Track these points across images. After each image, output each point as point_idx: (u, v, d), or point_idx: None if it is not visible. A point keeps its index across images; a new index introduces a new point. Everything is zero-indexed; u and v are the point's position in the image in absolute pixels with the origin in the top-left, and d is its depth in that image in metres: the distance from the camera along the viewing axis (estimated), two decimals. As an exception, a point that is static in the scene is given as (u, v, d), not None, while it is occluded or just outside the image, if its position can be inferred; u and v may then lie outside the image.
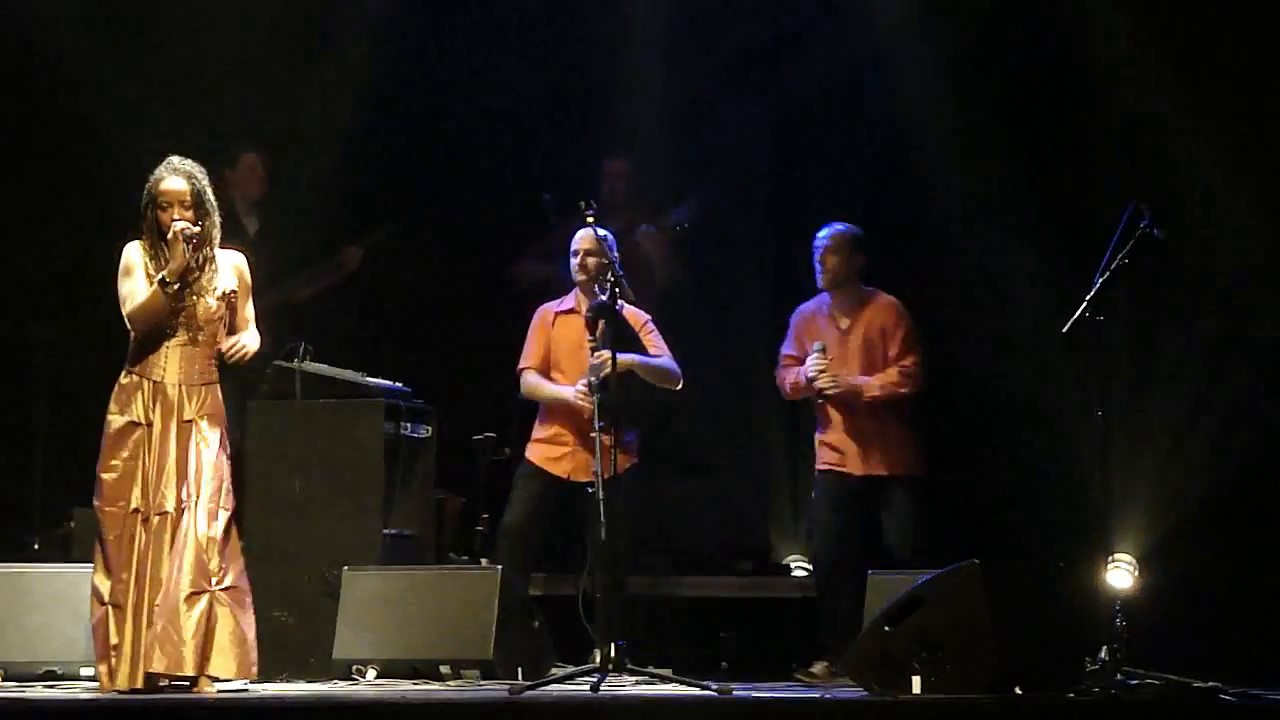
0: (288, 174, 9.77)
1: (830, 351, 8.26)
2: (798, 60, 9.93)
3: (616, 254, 8.01)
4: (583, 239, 8.16)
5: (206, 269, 7.00)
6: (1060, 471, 8.77)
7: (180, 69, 9.81)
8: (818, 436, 8.37)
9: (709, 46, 10.07)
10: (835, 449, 8.29)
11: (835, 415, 8.30)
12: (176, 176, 6.97)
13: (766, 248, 9.56)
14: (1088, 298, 7.40)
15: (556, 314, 8.36)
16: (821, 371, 8.20)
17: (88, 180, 9.82)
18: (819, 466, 8.35)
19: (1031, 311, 9.04)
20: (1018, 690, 6.46)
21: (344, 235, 9.83)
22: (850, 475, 8.26)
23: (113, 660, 6.79)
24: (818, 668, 8.08)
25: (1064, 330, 7.50)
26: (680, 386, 8.26)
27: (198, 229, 6.91)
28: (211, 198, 7.03)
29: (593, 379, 7.53)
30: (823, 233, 8.38)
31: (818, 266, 8.37)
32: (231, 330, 7.07)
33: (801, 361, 8.34)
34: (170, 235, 6.89)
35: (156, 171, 7.00)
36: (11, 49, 9.91)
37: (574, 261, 8.23)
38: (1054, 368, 8.82)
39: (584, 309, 8.16)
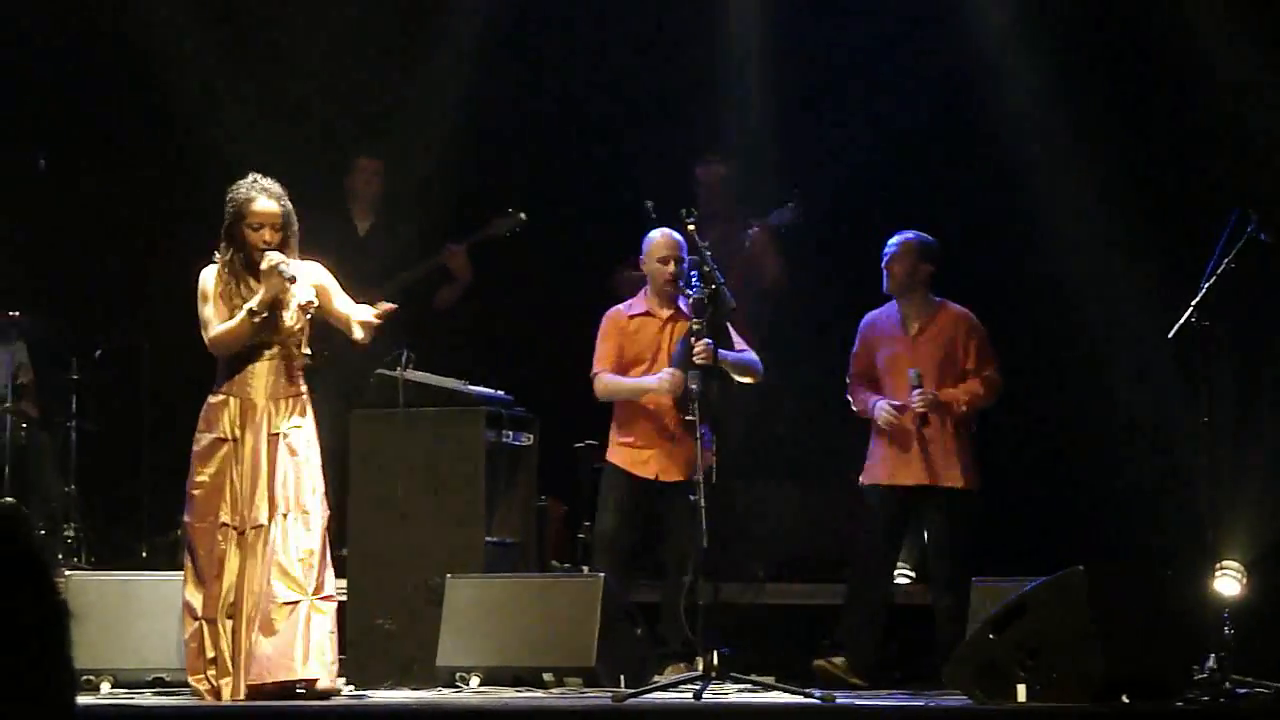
0: (399, 175, 9.83)
1: (899, 358, 8.19)
2: (901, 63, 9.88)
3: (688, 261, 8.00)
4: (670, 244, 8.14)
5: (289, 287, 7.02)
6: (1167, 478, 8.69)
7: (292, 77, 9.91)
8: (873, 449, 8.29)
9: (813, 48, 10.04)
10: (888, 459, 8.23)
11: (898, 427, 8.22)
12: (268, 198, 7.00)
13: (870, 251, 9.52)
14: (1194, 303, 7.33)
15: (630, 317, 8.32)
16: (926, 402, 8.08)
17: (197, 192, 9.92)
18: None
19: (1138, 317, 8.96)
20: (1125, 698, 6.40)
21: (451, 234, 9.86)
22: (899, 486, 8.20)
23: (210, 674, 6.84)
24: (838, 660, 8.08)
25: (1170, 335, 7.44)
26: (759, 381, 8.21)
27: (292, 272, 6.93)
28: (294, 215, 7.07)
29: (690, 371, 7.51)
30: (892, 240, 8.30)
31: (885, 273, 8.31)
32: (310, 340, 7.10)
33: (869, 373, 8.27)
34: (266, 266, 6.92)
35: (242, 190, 7.02)
36: (127, 65, 10.06)
37: (659, 266, 8.18)
38: (1161, 373, 8.74)
39: (658, 311, 8.15)
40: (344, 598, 7.88)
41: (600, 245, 9.90)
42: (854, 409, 8.40)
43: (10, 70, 10.05)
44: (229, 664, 6.81)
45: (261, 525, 6.85)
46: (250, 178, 7.05)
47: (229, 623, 6.83)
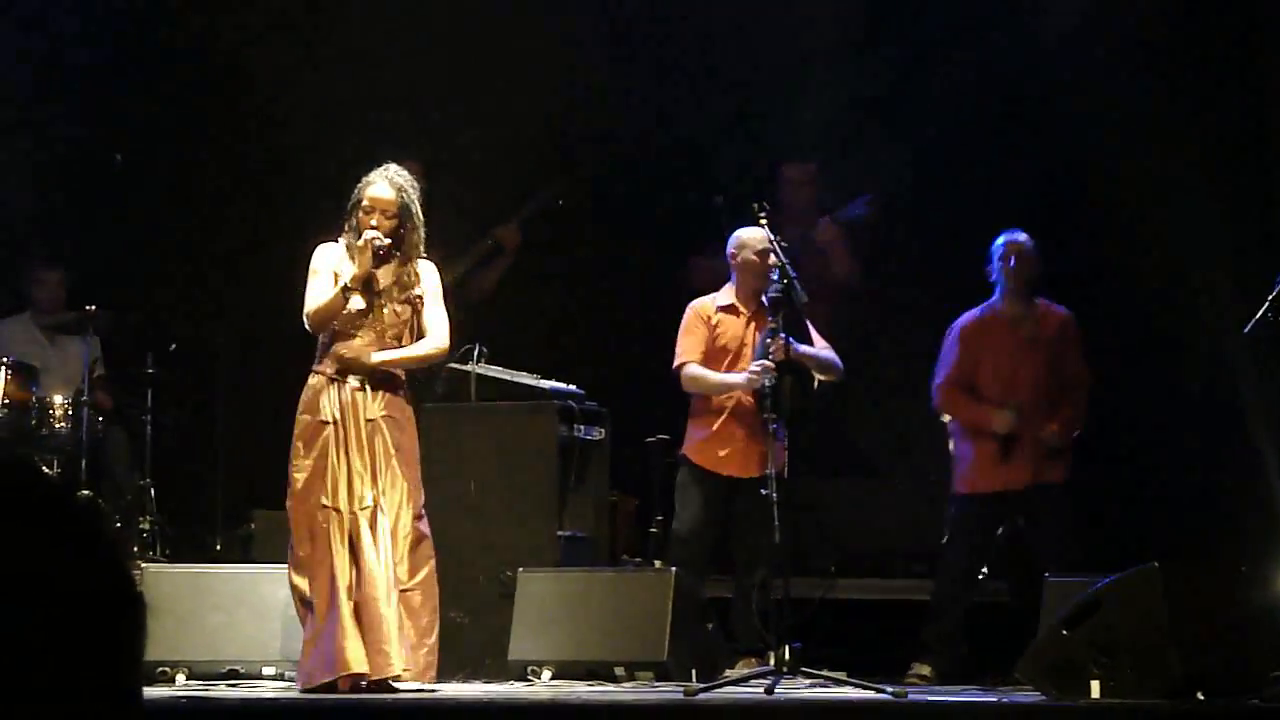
0: (452, 167, 9.83)
1: (1011, 363, 8.07)
2: (974, 56, 9.84)
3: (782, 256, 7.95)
4: (756, 239, 8.07)
5: (401, 278, 7.05)
6: (1242, 474, 8.62)
7: (360, 76, 9.94)
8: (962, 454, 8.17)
9: (886, 44, 10.01)
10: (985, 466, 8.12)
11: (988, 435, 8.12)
12: (385, 184, 7.00)
13: (942, 247, 9.47)
14: (1270, 298, 7.27)
15: (715, 309, 8.23)
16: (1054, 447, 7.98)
17: (269, 184, 9.98)
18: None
19: (1212, 312, 8.89)
20: (1200, 696, 6.35)
21: (497, 218, 9.84)
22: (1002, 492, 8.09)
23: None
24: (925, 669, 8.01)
25: (1245, 331, 7.38)
26: (839, 379, 8.15)
27: (387, 241, 6.94)
28: (418, 210, 7.05)
29: (770, 367, 7.49)
30: (1013, 238, 8.08)
31: (997, 268, 8.11)
32: (418, 335, 7.12)
33: (969, 380, 8.11)
34: (361, 241, 6.95)
35: (369, 175, 7.05)
36: (205, 60, 10.11)
37: (757, 260, 8.02)
38: (1235, 369, 8.67)
39: (745, 306, 8.11)
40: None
41: (670, 238, 9.89)
42: (948, 416, 8.20)
43: (87, 66, 10.12)
44: (347, 641, 6.77)
45: (367, 507, 6.83)
46: (384, 165, 7.08)
47: (333, 604, 6.80)
